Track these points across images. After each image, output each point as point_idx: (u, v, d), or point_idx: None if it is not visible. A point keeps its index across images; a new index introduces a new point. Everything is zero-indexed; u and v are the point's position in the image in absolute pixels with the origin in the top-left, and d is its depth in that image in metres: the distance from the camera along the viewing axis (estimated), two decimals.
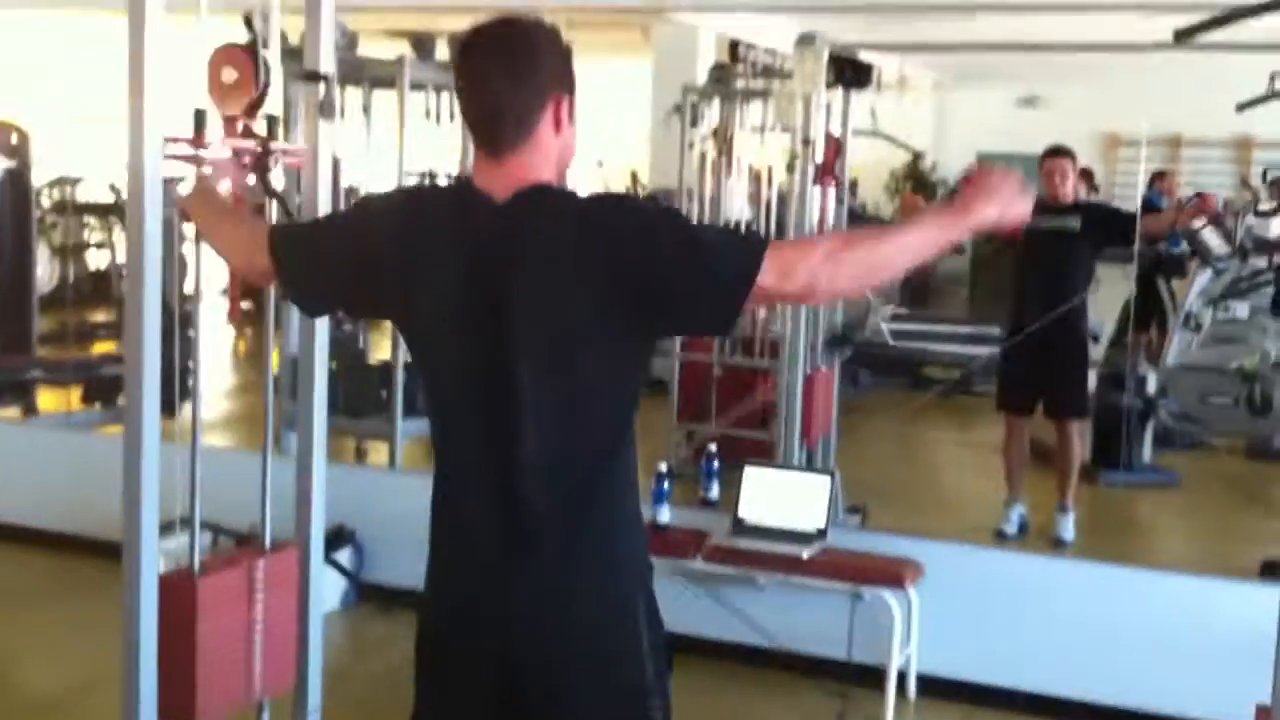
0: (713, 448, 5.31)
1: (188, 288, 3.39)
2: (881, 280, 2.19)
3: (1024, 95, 12.59)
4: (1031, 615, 4.67)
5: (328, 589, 4.59)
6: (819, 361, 5.96)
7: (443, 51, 6.73)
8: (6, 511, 6.01)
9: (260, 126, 2.96)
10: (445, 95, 6.74)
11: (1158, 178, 9.65)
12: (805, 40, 5.46)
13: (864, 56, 6.01)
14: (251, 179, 2.94)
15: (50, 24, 9.96)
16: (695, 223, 2.77)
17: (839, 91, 5.95)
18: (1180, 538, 6.94)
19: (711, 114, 7.30)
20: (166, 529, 3.03)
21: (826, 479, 4.82)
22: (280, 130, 3.05)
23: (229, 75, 2.93)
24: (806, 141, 5.42)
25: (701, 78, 7.83)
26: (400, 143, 6.25)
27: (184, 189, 2.84)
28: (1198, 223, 6.77)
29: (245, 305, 4.17)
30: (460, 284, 2.10)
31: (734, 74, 7.27)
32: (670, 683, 2.21)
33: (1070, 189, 6.08)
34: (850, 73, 5.77)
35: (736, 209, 7.44)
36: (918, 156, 12.80)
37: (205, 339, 3.29)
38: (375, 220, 2.26)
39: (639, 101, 10.41)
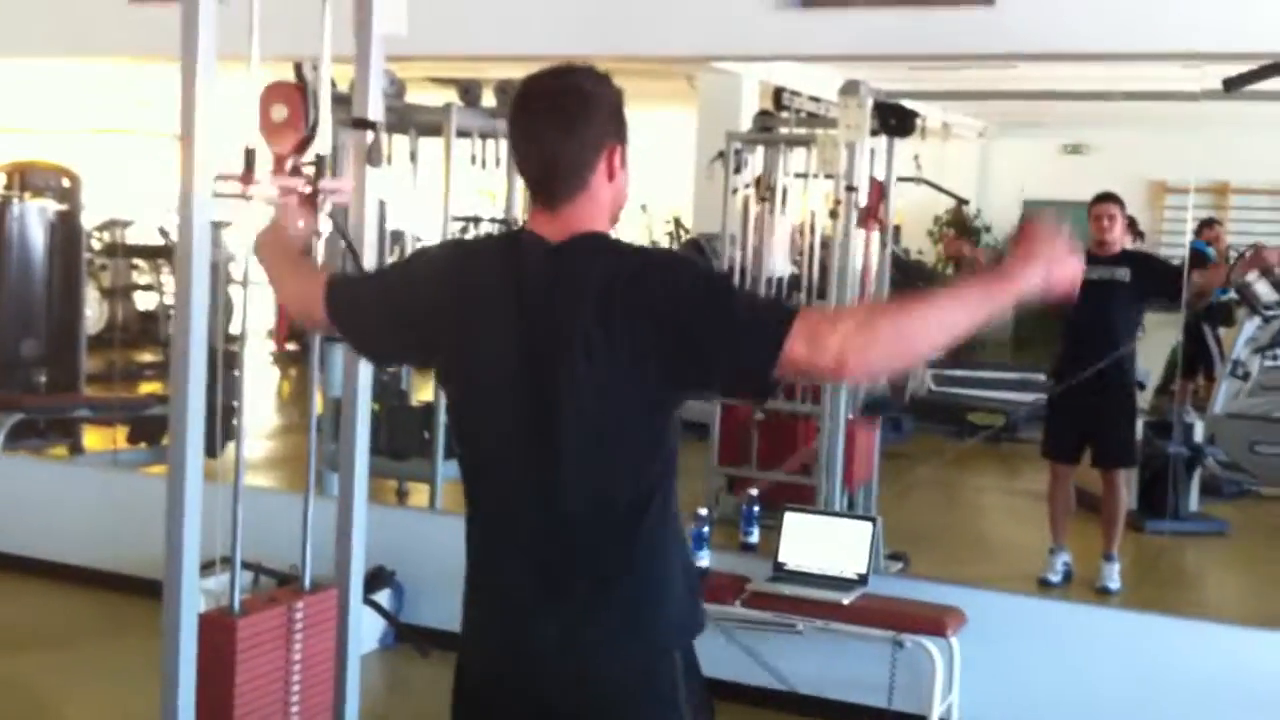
0: (753, 492, 5.30)
1: (234, 328, 3.42)
2: (918, 358, 2.11)
3: (1069, 142, 12.52)
4: (1075, 665, 4.62)
5: (366, 630, 4.60)
6: (860, 409, 5.94)
7: (489, 99, 6.80)
8: (51, 549, 6.06)
9: (308, 166, 3.00)
10: (490, 142, 6.79)
11: (1205, 226, 9.58)
12: (849, 88, 5.49)
13: (908, 104, 6.03)
14: (326, 225, 2.98)
15: (105, 73, 10.08)
16: (738, 289, 2.70)
17: (883, 139, 5.97)
18: (1227, 588, 6.85)
19: (755, 160, 7.32)
20: (208, 568, 3.06)
21: (868, 525, 4.79)
22: (329, 170, 3.09)
23: (279, 113, 2.97)
24: (851, 188, 5.43)
25: (745, 125, 7.85)
26: (445, 188, 6.30)
27: (235, 226, 2.86)
28: (1251, 275, 6.73)
29: (291, 346, 4.20)
30: (507, 326, 2.10)
31: (778, 121, 7.30)
32: None
33: (1119, 234, 6.06)
34: (894, 120, 5.80)
35: (780, 254, 7.45)
36: (962, 203, 12.76)
37: (249, 379, 3.32)
38: (427, 272, 2.27)
39: (684, 147, 10.44)
